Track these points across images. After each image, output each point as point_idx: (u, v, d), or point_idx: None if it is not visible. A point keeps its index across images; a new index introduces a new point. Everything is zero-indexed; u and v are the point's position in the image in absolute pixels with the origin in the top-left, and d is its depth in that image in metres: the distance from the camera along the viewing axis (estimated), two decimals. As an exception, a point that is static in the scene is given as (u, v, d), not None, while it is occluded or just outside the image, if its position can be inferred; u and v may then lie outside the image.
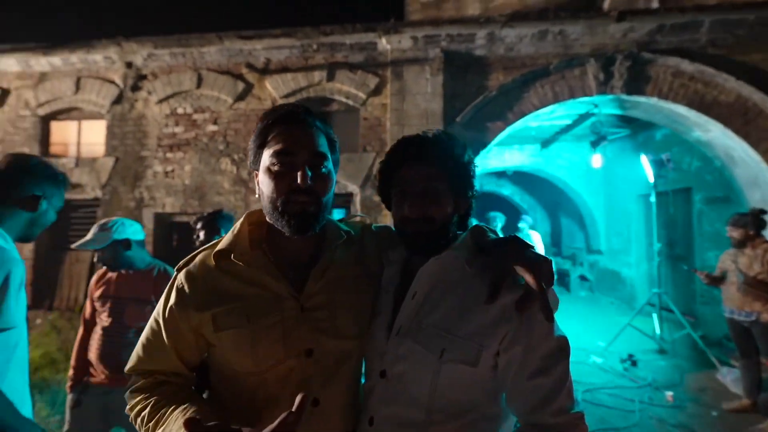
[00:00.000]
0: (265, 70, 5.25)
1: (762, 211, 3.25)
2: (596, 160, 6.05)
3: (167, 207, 5.30)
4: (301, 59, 5.20)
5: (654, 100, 4.59)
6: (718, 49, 4.53)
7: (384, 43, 4.94)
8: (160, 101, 5.39)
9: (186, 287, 0.80)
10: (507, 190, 11.30)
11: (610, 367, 4.43)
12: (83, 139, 5.68)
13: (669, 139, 6.12)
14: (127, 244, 1.89)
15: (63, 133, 5.74)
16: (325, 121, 0.86)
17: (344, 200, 5.27)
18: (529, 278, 0.71)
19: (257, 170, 0.84)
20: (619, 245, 7.94)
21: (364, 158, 5.06)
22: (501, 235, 0.87)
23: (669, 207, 5.76)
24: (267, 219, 0.84)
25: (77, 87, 5.51)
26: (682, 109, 4.58)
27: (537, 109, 4.79)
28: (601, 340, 5.34)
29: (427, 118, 4.83)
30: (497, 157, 8.41)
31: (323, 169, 0.80)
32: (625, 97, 4.67)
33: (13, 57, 5.49)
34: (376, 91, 5.06)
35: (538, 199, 11.28)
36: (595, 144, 5.73)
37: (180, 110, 5.40)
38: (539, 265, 0.71)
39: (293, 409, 0.57)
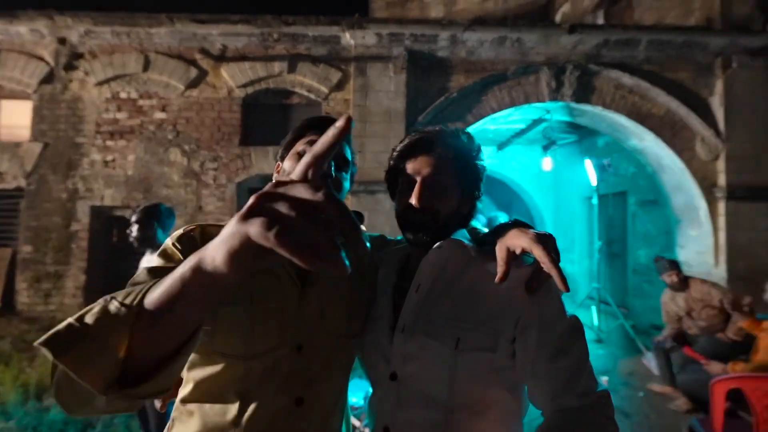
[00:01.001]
0: (222, 57, 4.97)
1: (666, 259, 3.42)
2: (546, 163, 6.43)
3: (106, 199, 4.85)
4: (261, 48, 4.98)
5: (599, 109, 4.97)
6: (652, 66, 5.00)
7: (348, 38, 4.88)
8: (100, 83, 4.90)
9: (198, 241, 0.75)
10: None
11: (556, 356, 4.75)
12: (3, 120, 5.02)
13: (610, 146, 6.66)
14: None
15: (-22, 113, 5.04)
16: (351, 142, 0.94)
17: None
18: (539, 253, 0.66)
19: (282, 160, 0.88)
20: (564, 244, 8.54)
21: (325, 154, 4.95)
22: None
23: (609, 208, 6.29)
24: None
25: (-4, 61, 4.86)
26: (622, 119, 5.00)
27: (495, 112, 4.98)
28: (548, 331, 5.70)
29: (390, 116, 4.84)
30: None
31: (344, 173, 0.86)
32: (573, 105, 5.00)
33: None
34: (339, 86, 4.98)
35: (492, 199, 11.78)
36: (546, 148, 6.09)
37: (123, 95, 4.95)
38: (546, 239, 0.68)
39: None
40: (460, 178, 0.81)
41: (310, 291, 0.81)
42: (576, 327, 0.70)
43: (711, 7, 5.17)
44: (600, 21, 7.55)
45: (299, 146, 0.84)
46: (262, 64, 4.94)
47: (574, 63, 4.87)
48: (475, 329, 0.71)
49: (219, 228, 0.80)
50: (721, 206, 4.87)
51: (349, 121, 0.37)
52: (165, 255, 0.73)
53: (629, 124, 5.01)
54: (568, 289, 0.64)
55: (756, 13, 5.06)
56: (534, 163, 8.24)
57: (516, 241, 0.69)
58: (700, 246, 5.04)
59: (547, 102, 4.97)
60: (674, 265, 3.32)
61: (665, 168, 5.24)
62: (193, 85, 4.95)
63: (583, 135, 6.96)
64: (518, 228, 0.73)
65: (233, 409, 0.73)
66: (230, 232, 0.35)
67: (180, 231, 0.79)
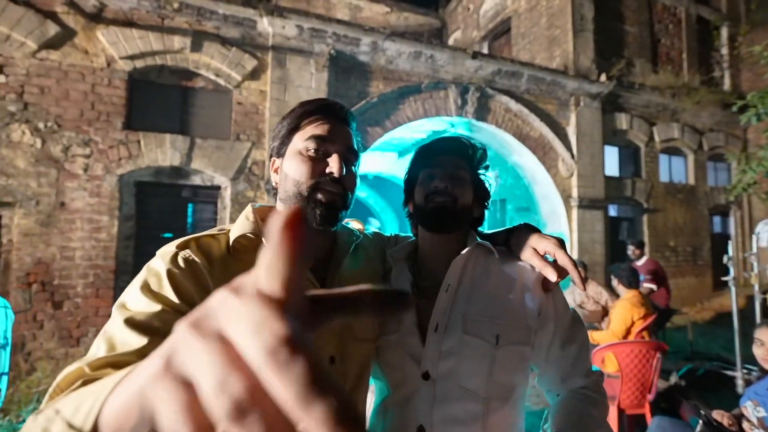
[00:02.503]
0: (98, 18, 3.98)
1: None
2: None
3: None
4: (155, 16, 4.18)
5: (493, 128, 5.76)
6: (531, 96, 6.06)
7: (266, 24, 4.50)
8: None
9: (201, 268, 0.61)
10: (362, 192, 11.99)
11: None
12: None
13: (493, 160, 7.74)
14: None
15: None
16: (358, 126, 0.83)
17: (208, 194, 4.51)
18: (562, 257, 0.76)
19: (280, 156, 0.76)
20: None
21: (236, 147, 4.46)
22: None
23: (496, 213, 7.33)
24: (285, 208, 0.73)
25: None
26: (509, 138, 5.90)
27: (410, 121, 5.29)
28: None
29: (311, 113, 4.64)
30: (362, 162, 8.84)
31: (354, 168, 0.78)
32: (474, 121, 5.68)
33: None
34: (254, 75, 4.55)
35: (389, 202, 12.41)
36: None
37: (-73, 41, 3.51)
38: (563, 243, 0.78)
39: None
40: (475, 183, 0.88)
41: None
42: (577, 318, 0.83)
43: (567, 57, 6.57)
44: (485, 51, 8.78)
45: (300, 142, 0.73)
46: (157, 36, 4.15)
47: (476, 85, 5.54)
48: (511, 325, 0.78)
49: (216, 241, 0.68)
50: (574, 213, 6.20)
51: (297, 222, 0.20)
52: (149, 291, 0.55)
53: (514, 142, 5.96)
54: (584, 288, 0.77)
55: (592, 67, 6.65)
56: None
57: (540, 245, 0.80)
58: (560, 244, 6.32)
59: (453, 116, 5.52)
60: (583, 266, 4.12)
61: (538, 181, 6.40)
62: (52, 45, 3.83)
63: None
64: (538, 233, 0.84)
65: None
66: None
67: (171, 249, 0.61)
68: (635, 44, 7.49)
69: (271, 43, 4.59)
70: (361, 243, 0.88)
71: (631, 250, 4.99)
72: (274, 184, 0.77)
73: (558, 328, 0.80)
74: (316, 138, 0.72)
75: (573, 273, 0.75)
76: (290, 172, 0.73)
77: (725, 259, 3.61)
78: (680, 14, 8.19)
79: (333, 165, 0.71)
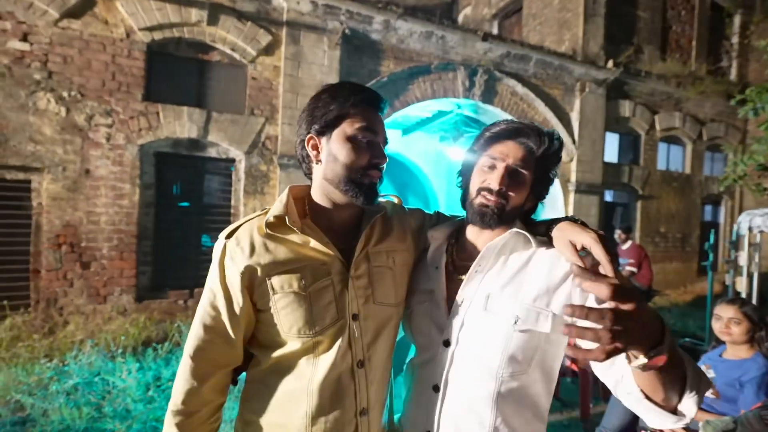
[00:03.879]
0: (117, -13, 4.04)
1: None
2: (456, 152, 7.26)
3: (-69, 152, 3.54)
4: (173, -13, 4.23)
5: (498, 110, 5.89)
6: (537, 81, 6.14)
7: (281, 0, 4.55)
8: None
9: (239, 254, 0.82)
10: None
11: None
12: None
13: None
14: None
15: None
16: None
17: (223, 167, 4.71)
18: (598, 252, 0.70)
19: (322, 136, 0.84)
20: (453, 222, 9.86)
21: (251, 122, 4.62)
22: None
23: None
24: (328, 187, 0.86)
25: None
26: (513, 121, 6.03)
27: (419, 101, 5.41)
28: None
29: (323, 91, 4.77)
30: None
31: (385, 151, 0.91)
32: (480, 103, 5.80)
33: None
34: (269, 51, 4.64)
35: (392, 179, 12.59)
36: (455, 138, 6.88)
37: (-47, 7, 3.59)
38: (605, 240, 0.73)
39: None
40: (535, 177, 0.86)
41: (360, 267, 0.88)
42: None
43: (576, 42, 6.59)
44: (495, 30, 8.71)
45: (350, 129, 0.82)
46: (175, 8, 4.21)
47: (484, 67, 5.62)
48: (534, 309, 0.79)
49: (255, 223, 0.85)
50: (571, 197, 6.44)
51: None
52: (213, 296, 0.86)
53: (518, 126, 6.09)
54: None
55: (601, 53, 6.68)
56: (433, 149, 9.15)
57: (578, 237, 0.75)
58: (556, 226, 6.59)
59: (461, 98, 5.64)
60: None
61: (538, 164, 6.58)
62: (73, 14, 3.91)
63: (479, 130, 8.08)
64: (579, 225, 0.80)
65: (308, 373, 0.83)
66: None
67: (221, 242, 0.85)
68: (646, 30, 7.47)
69: (285, 19, 4.65)
70: (387, 216, 0.96)
71: (617, 234, 5.26)
72: (315, 161, 0.86)
73: None
74: (367, 129, 0.82)
75: (607, 269, 0.69)
76: (342, 156, 0.81)
77: (706, 245, 3.89)
78: (694, 0, 8.10)
79: (380, 155, 0.84)
